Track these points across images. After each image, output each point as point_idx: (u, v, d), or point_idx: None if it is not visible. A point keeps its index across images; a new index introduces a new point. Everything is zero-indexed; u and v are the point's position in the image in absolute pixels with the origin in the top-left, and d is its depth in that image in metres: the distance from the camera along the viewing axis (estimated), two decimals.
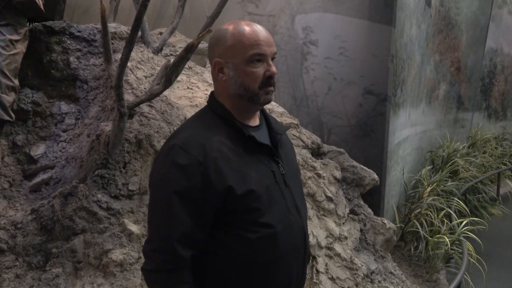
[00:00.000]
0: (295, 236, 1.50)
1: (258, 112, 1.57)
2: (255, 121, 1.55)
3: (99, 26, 3.40)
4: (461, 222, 4.87)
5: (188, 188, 1.37)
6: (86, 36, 3.41)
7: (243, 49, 1.43)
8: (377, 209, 4.38)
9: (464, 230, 4.77)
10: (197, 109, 3.37)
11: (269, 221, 1.43)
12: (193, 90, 3.60)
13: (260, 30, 1.47)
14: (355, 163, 4.12)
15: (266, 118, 1.60)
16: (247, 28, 1.45)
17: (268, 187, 1.45)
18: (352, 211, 3.81)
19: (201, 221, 1.39)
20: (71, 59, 3.31)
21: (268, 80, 1.46)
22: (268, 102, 1.50)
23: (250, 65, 1.43)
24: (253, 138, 1.46)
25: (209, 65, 1.55)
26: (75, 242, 2.55)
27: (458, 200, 5.61)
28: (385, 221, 3.92)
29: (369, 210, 3.97)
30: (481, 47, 9.13)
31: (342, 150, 4.25)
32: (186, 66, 3.74)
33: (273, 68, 1.46)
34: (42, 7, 3.11)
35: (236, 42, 1.44)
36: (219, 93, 1.52)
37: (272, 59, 1.49)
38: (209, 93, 3.58)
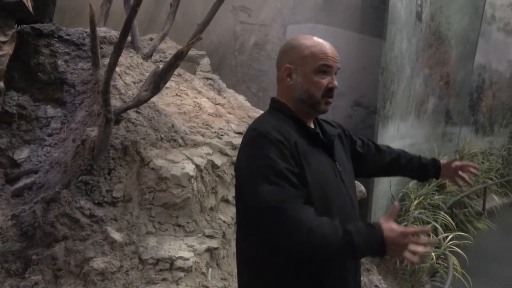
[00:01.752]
0: None
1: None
2: (311, 125, 1.69)
3: (88, 30, 3.37)
4: (447, 236, 4.89)
5: (280, 151, 1.47)
6: (75, 39, 3.37)
7: (314, 60, 1.59)
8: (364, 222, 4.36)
9: (450, 244, 4.78)
10: (186, 117, 3.35)
11: (333, 209, 1.53)
12: (182, 97, 3.57)
13: (330, 46, 1.64)
14: None
15: (319, 123, 1.74)
16: (321, 42, 1.62)
17: (330, 179, 1.57)
18: None
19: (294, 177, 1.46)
20: (59, 62, 3.26)
21: (330, 92, 1.62)
22: (326, 111, 1.66)
23: (317, 75, 1.59)
24: (318, 134, 1.62)
25: (277, 69, 1.68)
26: (56, 249, 2.49)
27: (445, 214, 5.63)
28: None
29: None
30: (470, 62, 9.23)
31: None
32: (175, 73, 3.72)
33: (335, 82, 1.62)
34: (31, 8, 3.08)
35: (309, 53, 1.60)
36: (283, 95, 1.66)
37: (335, 73, 1.64)
38: (197, 100, 3.57)
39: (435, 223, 5.17)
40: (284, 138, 1.49)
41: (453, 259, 4.56)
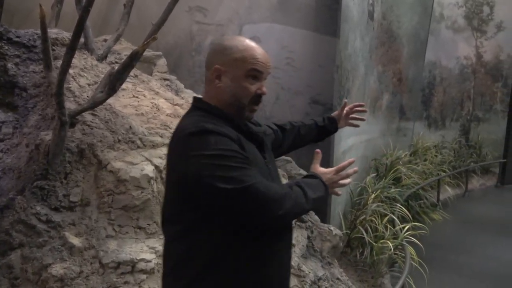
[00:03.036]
0: None
1: None
2: None
3: (39, 31, 3.27)
4: (404, 227, 5.05)
5: (232, 141, 1.47)
6: (25, 41, 3.27)
7: (244, 64, 1.54)
8: (324, 216, 4.46)
9: (407, 235, 4.95)
10: (143, 118, 3.32)
11: None
12: (139, 99, 3.53)
13: (262, 51, 1.60)
14: (302, 171, 4.17)
15: (244, 123, 1.72)
16: (253, 47, 1.58)
17: (264, 174, 1.56)
18: (299, 219, 3.86)
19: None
20: (9, 65, 3.16)
21: (257, 98, 1.58)
22: (249, 119, 1.63)
23: (247, 80, 1.55)
24: (252, 133, 1.60)
25: (206, 70, 1.63)
26: (12, 257, 2.42)
27: (401, 206, 5.82)
28: (332, 228, 4.00)
29: (316, 217, 4.03)
30: (421, 60, 9.57)
31: (289, 158, 4.30)
32: (132, 74, 3.67)
33: (265, 88, 1.59)
34: None
35: (240, 56, 1.54)
36: (212, 97, 1.60)
37: (264, 78, 1.60)
38: (155, 101, 3.54)
39: (392, 215, 5.33)
40: (229, 133, 1.48)
41: (410, 249, 4.72)
